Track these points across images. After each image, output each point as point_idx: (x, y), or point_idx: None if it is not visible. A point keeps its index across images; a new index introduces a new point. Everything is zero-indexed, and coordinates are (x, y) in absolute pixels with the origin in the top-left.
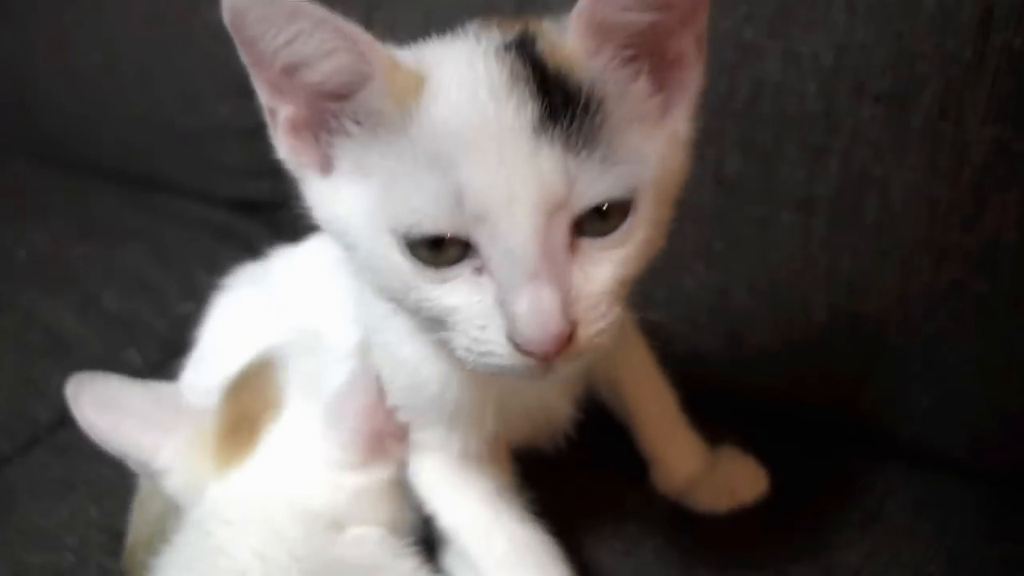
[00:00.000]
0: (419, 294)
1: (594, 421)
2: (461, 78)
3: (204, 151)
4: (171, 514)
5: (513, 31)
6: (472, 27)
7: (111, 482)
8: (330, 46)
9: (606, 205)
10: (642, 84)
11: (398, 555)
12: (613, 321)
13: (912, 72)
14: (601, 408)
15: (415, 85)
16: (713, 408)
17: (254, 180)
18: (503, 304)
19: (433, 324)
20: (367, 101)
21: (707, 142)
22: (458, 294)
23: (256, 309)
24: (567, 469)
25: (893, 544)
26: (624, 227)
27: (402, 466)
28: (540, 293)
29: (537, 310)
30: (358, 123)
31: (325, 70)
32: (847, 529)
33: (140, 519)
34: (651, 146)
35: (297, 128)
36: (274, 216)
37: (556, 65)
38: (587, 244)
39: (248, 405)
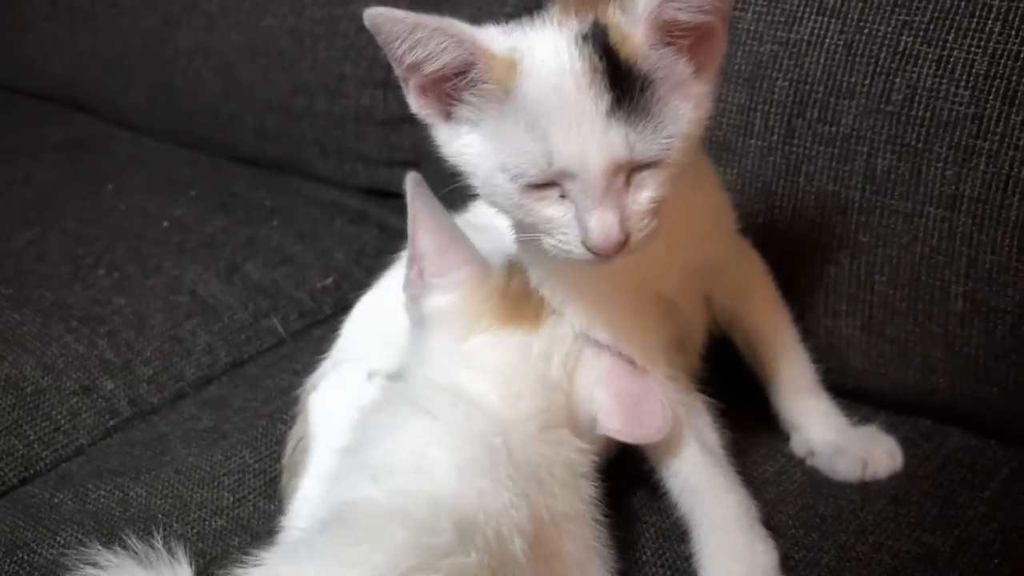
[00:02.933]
0: (524, 209)
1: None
2: (549, 65)
3: (342, 139)
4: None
5: (587, 20)
6: (553, 12)
7: (264, 431)
8: (441, 47)
9: None
10: (683, 61)
11: (591, 468)
12: (654, 228)
13: None
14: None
15: (511, 69)
16: (847, 394)
17: (388, 170)
18: (580, 220)
19: (531, 228)
20: (476, 78)
21: (859, 140)
22: (551, 209)
23: None
24: None
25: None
26: (661, 165)
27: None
28: (605, 215)
29: (602, 227)
30: (470, 91)
31: (439, 63)
32: (978, 506)
33: (290, 442)
34: (686, 105)
35: (424, 90)
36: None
37: (625, 57)
38: (637, 177)
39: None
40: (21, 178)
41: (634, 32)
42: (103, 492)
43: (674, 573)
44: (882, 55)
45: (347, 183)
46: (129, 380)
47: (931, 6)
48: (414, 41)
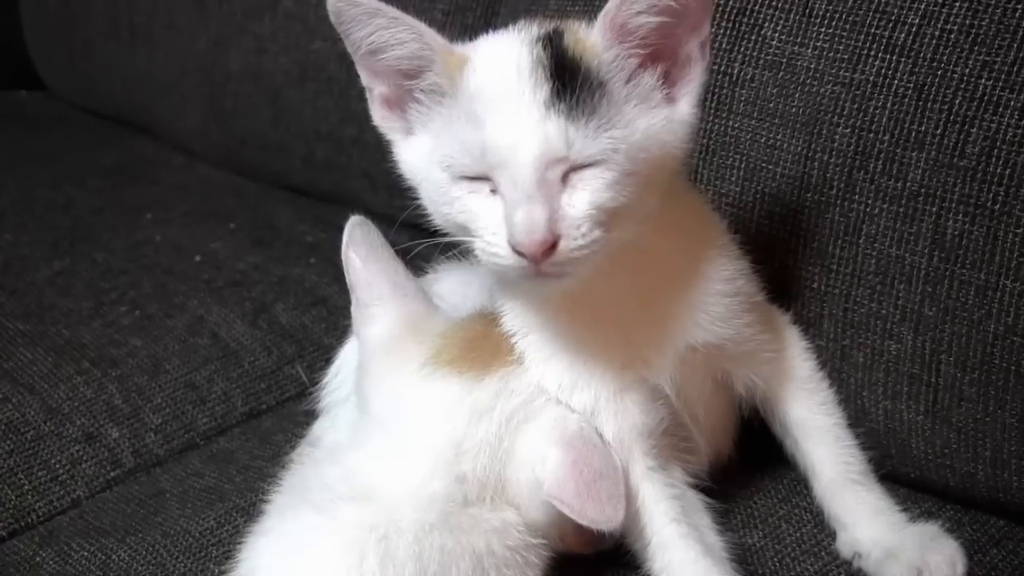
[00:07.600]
0: (455, 204)
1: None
2: (497, 58)
3: (391, 172)
4: None
5: (548, 26)
6: (520, 23)
7: (263, 495)
8: (400, 37)
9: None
10: (648, 76)
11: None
12: (593, 240)
13: None
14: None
15: (462, 63)
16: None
17: None
18: (507, 216)
19: (464, 231)
20: (431, 78)
21: (928, 198)
22: (480, 204)
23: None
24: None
25: None
26: (603, 167)
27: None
28: (532, 209)
29: (528, 221)
30: (425, 94)
31: (398, 55)
32: None
33: None
34: (646, 120)
35: (387, 103)
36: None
37: (573, 53)
38: (576, 178)
39: (492, 334)
40: (62, 204)
41: (590, 35)
42: (86, 554)
43: None
44: (957, 100)
45: (396, 219)
46: (136, 429)
47: (1015, 45)
48: (375, 26)
